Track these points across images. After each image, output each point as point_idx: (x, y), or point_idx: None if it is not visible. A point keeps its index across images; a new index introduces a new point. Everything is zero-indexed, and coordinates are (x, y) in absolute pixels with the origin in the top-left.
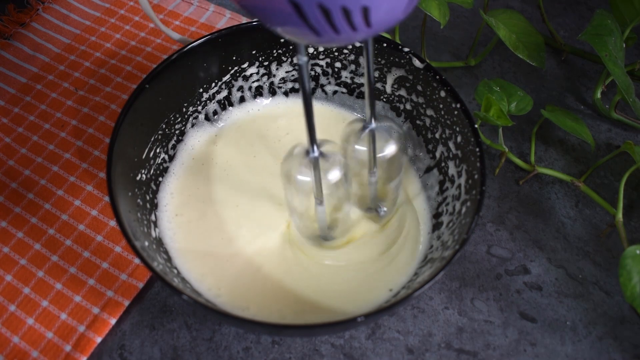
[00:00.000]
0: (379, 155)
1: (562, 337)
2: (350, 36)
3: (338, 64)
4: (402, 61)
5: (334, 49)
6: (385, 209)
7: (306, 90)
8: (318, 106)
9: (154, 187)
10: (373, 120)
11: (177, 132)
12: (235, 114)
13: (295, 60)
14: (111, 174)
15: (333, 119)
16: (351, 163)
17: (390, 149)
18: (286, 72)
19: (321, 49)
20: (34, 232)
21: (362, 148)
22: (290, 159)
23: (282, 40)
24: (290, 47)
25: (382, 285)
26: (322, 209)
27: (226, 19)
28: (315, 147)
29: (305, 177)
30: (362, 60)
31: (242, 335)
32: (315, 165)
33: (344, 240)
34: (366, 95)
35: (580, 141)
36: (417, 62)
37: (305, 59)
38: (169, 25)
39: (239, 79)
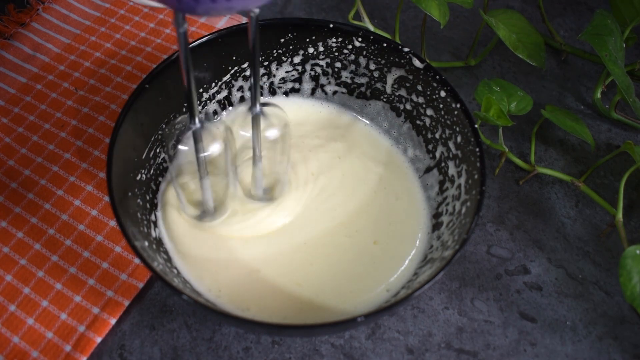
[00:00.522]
0: (263, 138)
1: (562, 337)
2: (209, 6)
3: (338, 64)
4: (402, 61)
5: (333, 49)
6: (267, 196)
7: (185, 59)
8: (318, 106)
9: (154, 187)
10: (258, 105)
11: (177, 132)
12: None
13: (178, 29)
14: (111, 174)
15: (333, 119)
16: (237, 148)
17: (272, 132)
18: (286, 72)
19: (321, 48)
20: (34, 232)
21: (246, 133)
22: (172, 129)
23: (282, 40)
24: (291, 47)
25: (381, 285)
26: (207, 182)
27: (226, 19)
28: (196, 119)
29: (184, 147)
30: (362, 60)
31: (242, 335)
32: (196, 137)
33: (229, 217)
34: (252, 77)
35: (580, 141)
36: (417, 62)
37: (183, 29)
38: (168, 26)
39: (239, 79)
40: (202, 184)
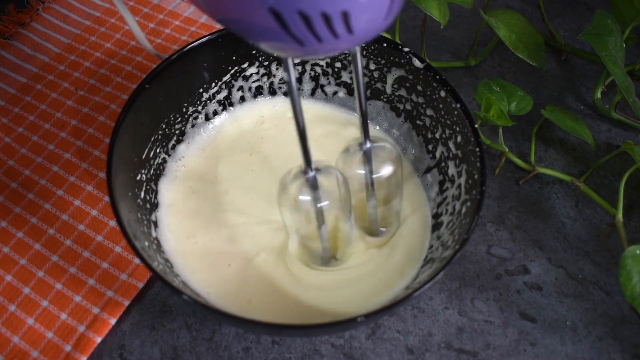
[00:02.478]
0: (376, 176)
1: (562, 337)
2: (333, 44)
3: (338, 64)
4: (402, 61)
5: None
6: (385, 229)
7: (296, 106)
8: (318, 107)
9: (154, 187)
10: (367, 142)
11: (177, 132)
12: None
13: (289, 74)
14: (111, 174)
15: (333, 119)
16: (350, 187)
17: (387, 169)
18: None
19: None
20: (34, 232)
21: (359, 171)
22: (288, 180)
23: None
24: None
25: (381, 285)
26: (324, 228)
27: None
28: (311, 167)
29: (306, 197)
30: (362, 60)
31: (242, 335)
32: (313, 184)
33: (346, 263)
34: (358, 113)
35: (580, 141)
36: (417, 62)
37: (292, 76)
38: (168, 26)
39: (239, 79)
40: (320, 234)
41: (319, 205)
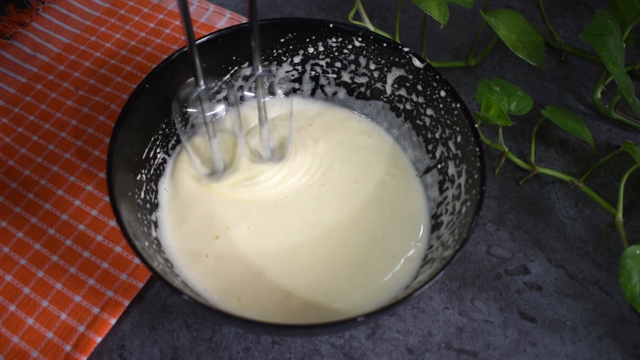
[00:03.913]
0: (264, 100)
1: (562, 337)
2: None
3: (338, 64)
4: (402, 61)
5: (333, 49)
6: (276, 156)
7: (188, 21)
8: (318, 106)
9: (154, 187)
10: (260, 67)
11: (177, 132)
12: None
13: None
14: (111, 174)
15: (333, 119)
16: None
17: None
18: (286, 72)
19: (321, 48)
20: (34, 232)
21: (250, 94)
22: (181, 91)
23: (282, 40)
24: (290, 47)
25: (381, 285)
26: (215, 141)
27: (226, 19)
28: (201, 82)
29: (193, 109)
30: (362, 59)
31: (242, 335)
32: (202, 98)
33: (238, 178)
34: (252, 45)
35: (580, 141)
36: (417, 62)
37: None
38: (168, 26)
39: (239, 79)
40: (211, 144)
41: (207, 114)
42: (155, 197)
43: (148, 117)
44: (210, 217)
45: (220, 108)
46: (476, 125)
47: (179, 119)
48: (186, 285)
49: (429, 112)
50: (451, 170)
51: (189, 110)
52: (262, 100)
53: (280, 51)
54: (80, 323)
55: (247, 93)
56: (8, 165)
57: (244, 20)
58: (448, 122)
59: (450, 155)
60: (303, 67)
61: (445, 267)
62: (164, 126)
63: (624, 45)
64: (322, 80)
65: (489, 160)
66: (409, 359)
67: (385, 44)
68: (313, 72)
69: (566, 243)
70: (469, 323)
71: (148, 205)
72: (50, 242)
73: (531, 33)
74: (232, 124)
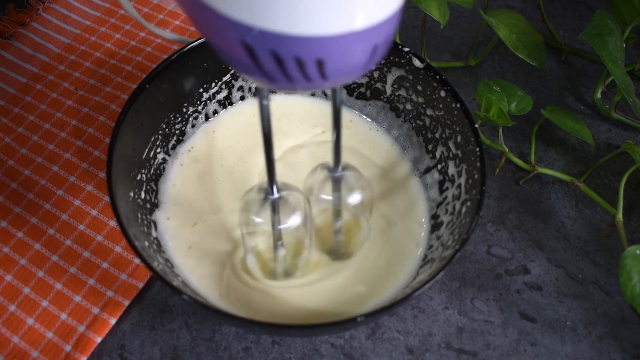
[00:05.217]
0: (344, 203)
1: (562, 337)
2: (305, 86)
3: None
4: (402, 61)
5: None
6: (347, 251)
7: (266, 131)
8: (318, 104)
9: (154, 187)
10: (340, 168)
11: (177, 132)
12: (235, 113)
13: (262, 101)
14: (111, 174)
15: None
16: (315, 209)
17: (355, 197)
18: None
19: None
20: (34, 232)
21: (327, 197)
22: (249, 198)
23: None
24: None
25: (381, 285)
26: (282, 249)
27: None
28: (275, 189)
29: (260, 219)
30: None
31: (242, 335)
32: (274, 207)
33: (302, 281)
34: (332, 141)
35: (580, 141)
36: (417, 62)
37: (266, 102)
38: (168, 26)
39: (239, 78)
40: (276, 254)
41: (278, 227)
42: (155, 197)
43: (148, 117)
44: (210, 217)
45: (295, 220)
46: (476, 125)
47: (245, 232)
48: (186, 285)
49: (429, 112)
50: (451, 170)
51: (256, 219)
52: (340, 203)
53: None
54: (80, 323)
55: (323, 196)
56: (8, 165)
57: None
58: (448, 122)
59: (450, 155)
60: None
61: (445, 267)
62: (164, 126)
63: (624, 45)
64: None
65: (489, 160)
66: (409, 359)
67: None
68: None
69: (566, 243)
70: (469, 323)
71: (148, 205)
72: (50, 242)
73: (531, 33)
74: (301, 231)
